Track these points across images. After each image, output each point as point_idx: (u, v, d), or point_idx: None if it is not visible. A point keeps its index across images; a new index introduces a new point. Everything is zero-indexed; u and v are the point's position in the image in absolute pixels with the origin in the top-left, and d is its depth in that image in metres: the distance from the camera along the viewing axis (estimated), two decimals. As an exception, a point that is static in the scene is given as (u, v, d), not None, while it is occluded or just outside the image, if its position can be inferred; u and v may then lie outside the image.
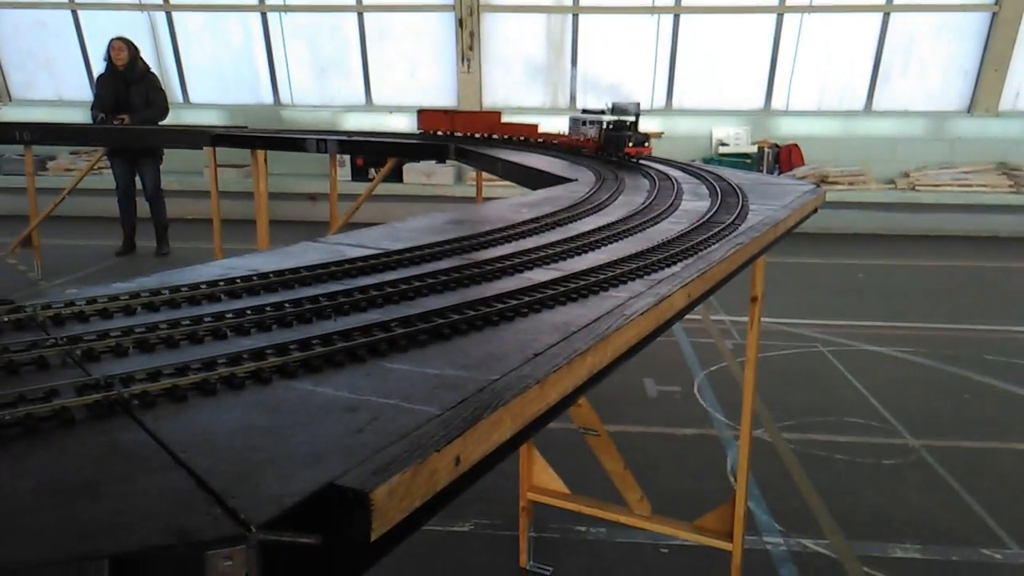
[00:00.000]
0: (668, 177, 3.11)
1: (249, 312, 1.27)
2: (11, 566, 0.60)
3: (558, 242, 1.87)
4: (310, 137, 6.12)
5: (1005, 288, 7.75)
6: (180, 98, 11.40)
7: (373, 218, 6.74)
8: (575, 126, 4.13)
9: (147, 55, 8.98)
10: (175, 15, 11.09)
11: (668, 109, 10.76)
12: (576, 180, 3.15)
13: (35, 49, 11.62)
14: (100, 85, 8.05)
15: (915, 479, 3.80)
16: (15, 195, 10.04)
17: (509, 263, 1.66)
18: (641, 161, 3.60)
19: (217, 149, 6.55)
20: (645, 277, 1.60)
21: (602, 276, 1.56)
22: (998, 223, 9.98)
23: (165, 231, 8.46)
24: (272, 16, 10.98)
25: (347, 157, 10.19)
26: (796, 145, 10.26)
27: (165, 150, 8.28)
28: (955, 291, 7.60)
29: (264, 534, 0.66)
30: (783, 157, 10.19)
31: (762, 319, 2.92)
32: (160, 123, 8.02)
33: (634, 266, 1.64)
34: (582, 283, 1.51)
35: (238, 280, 1.46)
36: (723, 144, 10.35)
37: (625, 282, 1.56)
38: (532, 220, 2.16)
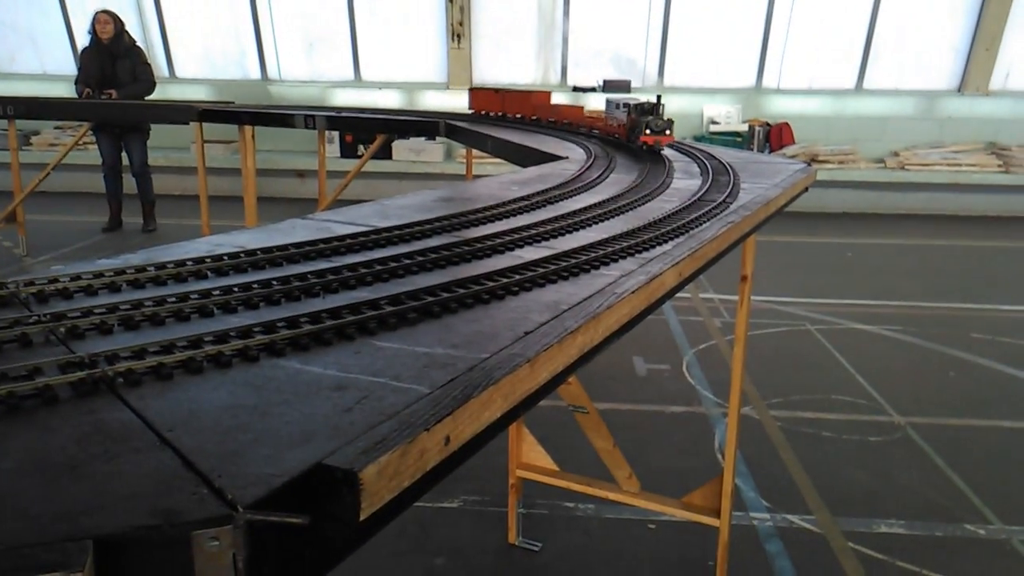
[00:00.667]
0: (659, 155, 3.10)
1: (236, 290, 1.26)
2: (-7, 547, 0.59)
3: (549, 220, 1.86)
4: (298, 113, 6.06)
5: (992, 267, 7.80)
6: (166, 73, 11.24)
7: (362, 195, 6.71)
8: (609, 109, 3.56)
9: (132, 29, 8.84)
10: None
11: (659, 87, 10.70)
12: (567, 158, 3.13)
13: (18, 22, 11.42)
14: (85, 59, 7.92)
15: (900, 456, 3.84)
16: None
17: (499, 241, 1.65)
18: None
19: (204, 125, 6.48)
20: (636, 256, 1.59)
21: (593, 254, 1.55)
22: (987, 203, 10.03)
23: (152, 207, 8.38)
24: (259, -11, 10.83)
25: (336, 134, 10.10)
26: (787, 124, 10.24)
27: (152, 126, 8.18)
28: (943, 270, 7.65)
29: (251, 514, 0.65)
30: (774, 136, 10.18)
31: (751, 298, 2.93)
32: (146, 98, 7.92)
33: (625, 244, 1.63)
34: (573, 261, 1.50)
35: (225, 257, 1.44)
36: (714, 122, 10.32)
37: (616, 260, 1.55)
38: (523, 198, 2.14)
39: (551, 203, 2.15)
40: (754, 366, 4.58)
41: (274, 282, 1.31)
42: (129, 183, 8.31)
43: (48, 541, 0.60)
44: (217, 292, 1.24)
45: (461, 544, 3.09)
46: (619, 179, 2.58)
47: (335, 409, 0.87)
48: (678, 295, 1.91)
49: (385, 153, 10.06)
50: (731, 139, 9.83)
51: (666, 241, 1.73)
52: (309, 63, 11.25)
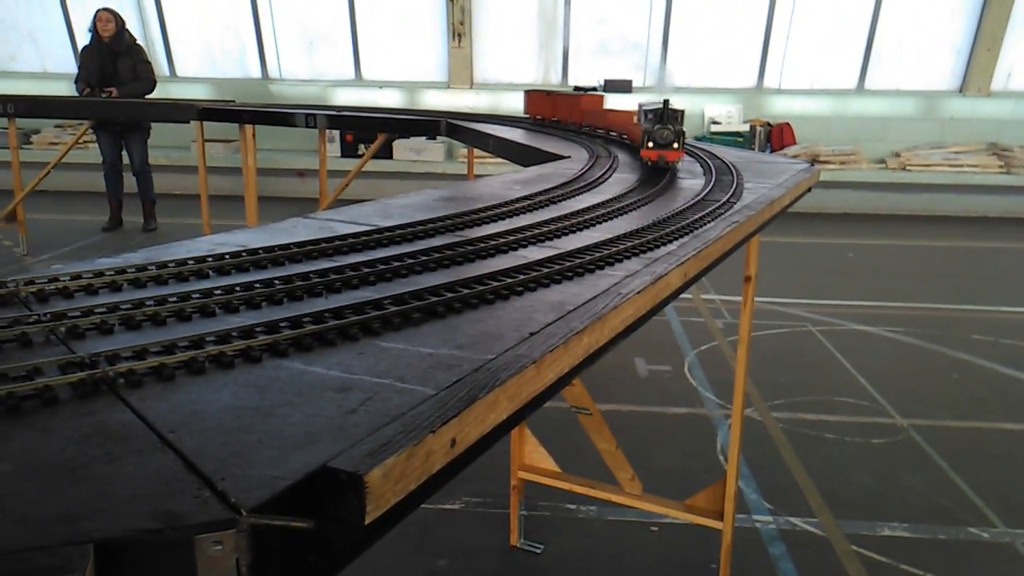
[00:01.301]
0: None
1: (238, 289, 1.25)
2: (-9, 552, 0.58)
3: (552, 220, 1.85)
4: (299, 112, 6.04)
5: (994, 268, 7.78)
6: (167, 71, 11.23)
7: (363, 195, 6.69)
8: (640, 116, 3.05)
9: (133, 27, 8.83)
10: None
11: (660, 87, 10.68)
12: (569, 157, 3.12)
13: (19, 20, 11.40)
14: (85, 57, 7.91)
15: (903, 458, 3.82)
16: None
17: (503, 241, 1.63)
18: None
19: (204, 124, 6.46)
20: (641, 255, 1.58)
21: (597, 254, 1.53)
22: (988, 204, 10.01)
23: (152, 206, 8.36)
24: (260, -12, 10.81)
25: (336, 133, 10.09)
26: (788, 124, 10.23)
27: (152, 124, 8.17)
28: (944, 271, 7.63)
29: (255, 518, 0.64)
30: (775, 136, 10.17)
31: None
32: (147, 97, 7.90)
33: (630, 244, 1.62)
34: (577, 261, 1.49)
35: (226, 256, 1.43)
36: (715, 122, 10.31)
37: (621, 260, 1.54)
38: (525, 197, 2.13)
39: (554, 203, 2.14)
40: (756, 367, 4.57)
41: (276, 281, 1.30)
42: (129, 182, 8.29)
43: (48, 545, 0.59)
44: (219, 292, 1.23)
45: (463, 546, 3.08)
46: (621, 178, 2.57)
47: (339, 411, 0.86)
48: (680, 296, 1.90)
49: (386, 152, 10.04)
50: (732, 139, 9.82)
51: (671, 241, 1.71)
52: (309, 62, 11.24)
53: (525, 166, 3.22)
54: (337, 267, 1.40)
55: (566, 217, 1.88)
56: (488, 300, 1.28)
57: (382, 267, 1.42)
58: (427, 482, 0.82)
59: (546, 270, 1.43)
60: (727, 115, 10.37)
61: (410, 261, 1.47)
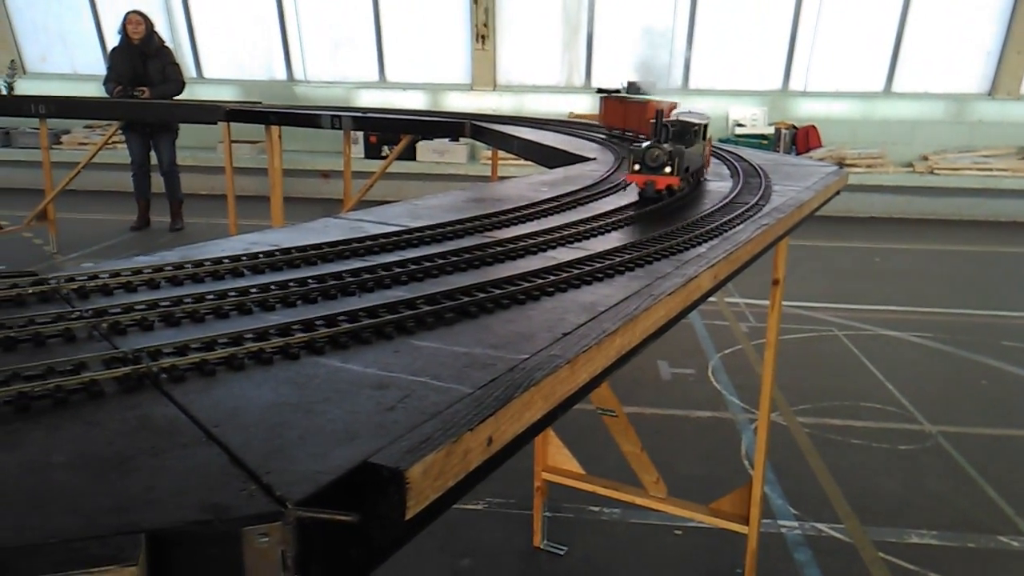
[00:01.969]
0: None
1: (273, 288, 1.26)
2: (49, 540, 0.59)
3: (580, 221, 1.85)
4: (325, 113, 6.09)
5: None
6: (194, 73, 11.36)
7: (386, 196, 6.72)
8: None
9: (161, 29, 8.94)
10: (189, -11, 11.04)
11: (685, 89, 10.64)
12: (595, 159, 3.12)
13: (49, 22, 11.60)
14: (115, 58, 8.02)
15: (931, 465, 3.78)
16: (29, 168, 10.08)
17: (532, 242, 1.64)
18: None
19: (231, 125, 6.53)
20: (671, 257, 1.58)
21: (627, 256, 1.54)
22: (1018, 208, 9.86)
23: (180, 206, 8.47)
24: (286, -9, 10.92)
25: (360, 134, 10.15)
26: (814, 126, 10.14)
27: (179, 125, 8.27)
28: (973, 276, 7.53)
29: (302, 511, 0.65)
30: (800, 138, 10.08)
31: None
32: (175, 98, 8.00)
33: (660, 247, 1.61)
34: (607, 263, 1.49)
35: (261, 255, 1.45)
36: (739, 125, 10.25)
37: (651, 262, 1.54)
38: (553, 199, 2.13)
39: (581, 204, 2.14)
40: (781, 371, 4.52)
41: (310, 280, 1.31)
42: (157, 182, 8.40)
43: (102, 535, 0.60)
44: (255, 290, 1.24)
45: (487, 546, 3.08)
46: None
47: (378, 408, 0.87)
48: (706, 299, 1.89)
49: (409, 154, 10.09)
50: (757, 142, 9.75)
51: (701, 243, 1.71)
52: (334, 64, 11.32)
53: (550, 168, 3.22)
54: (369, 267, 1.41)
55: (594, 219, 1.88)
56: (519, 300, 1.28)
57: (413, 267, 1.43)
58: (464, 480, 0.83)
59: (576, 271, 1.43)
60: (752, 117, 10.30)
61: (441, 261, 1.47)
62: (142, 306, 1.14)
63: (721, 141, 8.85)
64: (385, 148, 10.09)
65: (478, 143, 8.59)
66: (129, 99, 7.64)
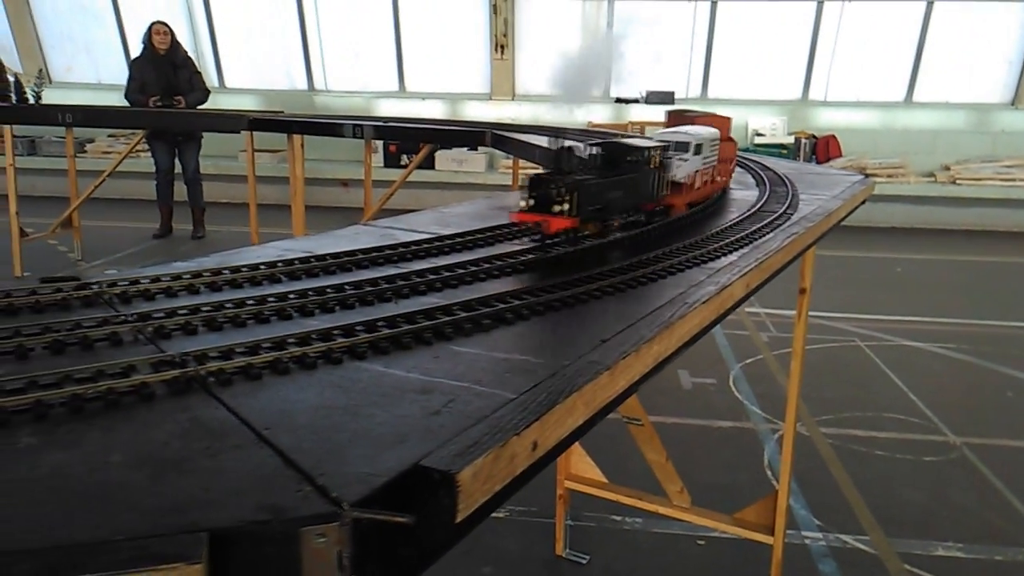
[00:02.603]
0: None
1: (311, 293, 1.27)
2: (116, 537, 0.60)
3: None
4: (347, 122, 6.13)
5: (1048, 285, 7.58)
6: (216, 83, 11.48)
7: (406, 204, 6.76)
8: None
9: (184, 39, 9.05)
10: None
11: (704, 98, 10.64)
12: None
13: (75, 32, 11.77)
14: (142, 68, 8.10)
15: (957, 477, 3.74)
16: (53, 176, 10.21)
17: (560, 251, 1.64)
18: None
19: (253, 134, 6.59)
20: (703, 266, 1.58)
21: (660, 265, 1.54)
22: (1041, 219, 9.77)
23: (202, 214, 8.55)
24: (307, 1, 11.02)
25: (379, 143, 10.21)
26: (834, 136, 10.10)
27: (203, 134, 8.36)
28: (996, 287, 7.45)
29: (359, 512, 0.65)
30: (820, 148, 10.04)
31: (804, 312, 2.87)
32: (198, 107, 8.10)
33: (691, 255, 1.62)
34: (640, 271, 1.50)
35: (296, 262, 1.46)
36: (759, 134, 10.22)
37: (683, 270, 1.54)
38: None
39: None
40: (803, 382, 4.49)
41: (346, 287, 1.33)
42: (179, 190, 8.48)
43: (165, 533, 0.61)
44: (293, 295, 1.26)
45: (509, 554, 3.08)
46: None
47: (423, 412, 0.88)
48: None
49: (428, 163, 10.13)
50: (776, 151, 9.71)
51: (731, 252, 1.71)
52: (354, 74, 11.40)
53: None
54: (403, 273, 1.42)
55: (623, 228, 1.89)
56: (555, 308, 1.29)
57: (447, 274, 1.44)
58: (509, 484, 0.83)
59: (609, 279, 1.44)
60: (771, 127, 10.28)
61: (473, 268, 1.49)
62: (184, 311, 1.16)
63: (741, 151, 8.79)
64: (404, 157, 10.14)
65: (497, 152, 8.62)
66: (166, 108, 7.73)
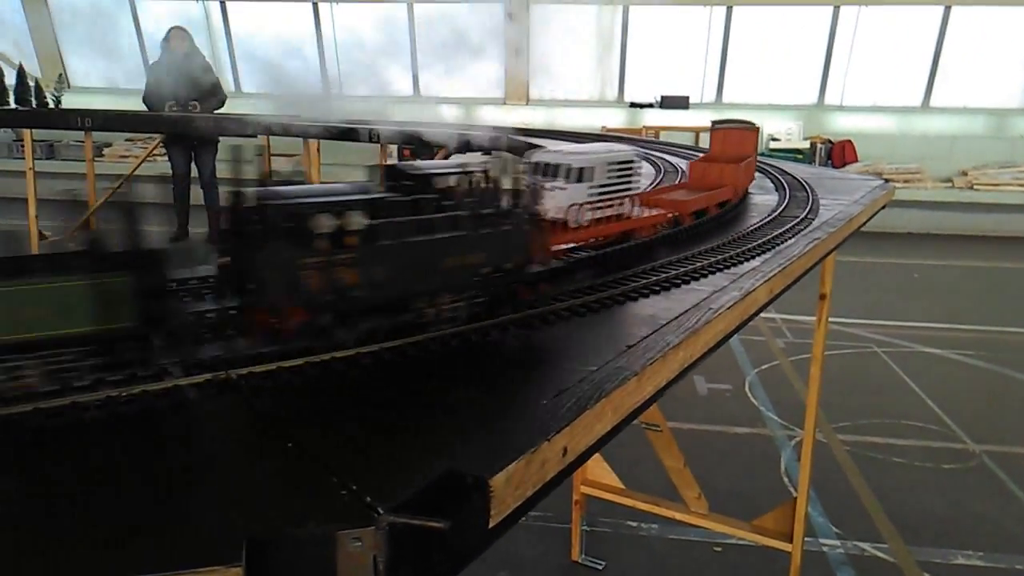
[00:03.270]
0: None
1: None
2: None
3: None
4: (363, 127, 6.15)
5: (1068, 292, 7.50)
6: (232, 87, 11.56)
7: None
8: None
9: (201, 45, 9.10)
10: (228, 4, 11.25)
11: (718, 103, 10.61)
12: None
13: (93, 37, 11.87)
14: (160, 72, 8.16)
15: (976, 485, 3.70)
16: (70, 180, 10.29)
17: (586, 255, 1.64)
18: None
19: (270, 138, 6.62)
20: (726, 271, 1.58)
21: (683, 269, 1.53)
22: (1060, 225, 9.67)
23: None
24: (323, 7, 11.08)
25: (393, 147, 10.22)
26: (850, 141, 10.05)
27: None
28: (1015, 294, 7.38)
29: (394, 517, 0.66)
30: (836, 153, 10.00)
31: (817, 318, 2.85)
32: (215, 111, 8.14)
33: (714, 260, 1.61)
34: (663, 276, 1.49)
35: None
36: (774, 139, 10.18)
37: (707, 275, 1.54)
38: (601, 212, 2.14)
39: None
40: (821, 388, 4.48)
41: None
42: (195, 194, 8.51)
43: (206, 536, 0.62)
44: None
45: (524, 559, 3.07)
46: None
47: (454, 417, 0.88)
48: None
49: (442, 167, 10.14)
50: (792, 156, 9.67)
51: (753, 257, 1.70)
52: (369, 78, 11.42)
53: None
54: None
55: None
56: (580, 313, 1.29)
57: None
58: (540, 489, 0.83)
59: (633, 284, 1.43)
60: (787, 132, 10.24)
61: (496, 273, 1.48)
62: (212, 315, 1.16)
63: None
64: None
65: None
66: (185, 113, 7.77)
